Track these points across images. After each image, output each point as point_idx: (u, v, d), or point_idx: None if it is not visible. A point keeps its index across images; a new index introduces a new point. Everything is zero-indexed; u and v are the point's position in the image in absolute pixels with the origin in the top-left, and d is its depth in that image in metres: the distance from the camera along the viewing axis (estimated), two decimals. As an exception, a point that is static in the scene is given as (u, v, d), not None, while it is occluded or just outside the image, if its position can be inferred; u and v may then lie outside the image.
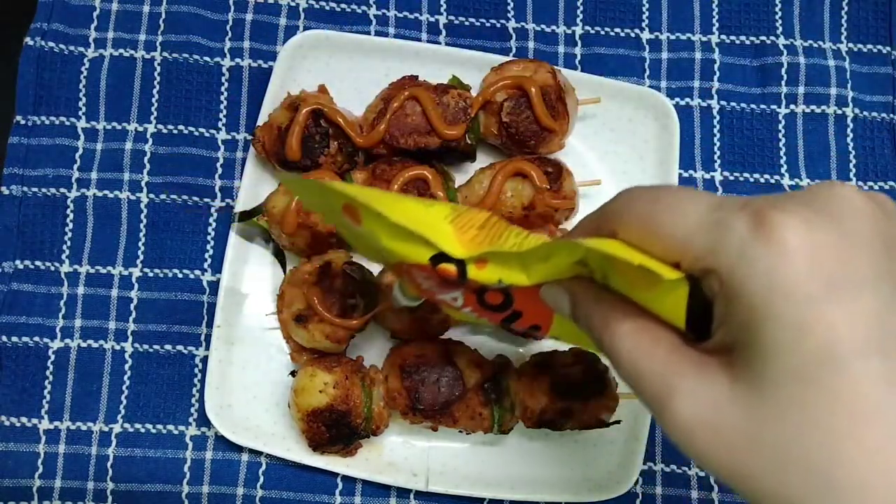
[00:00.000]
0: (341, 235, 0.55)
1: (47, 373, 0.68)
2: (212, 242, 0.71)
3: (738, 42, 0.76)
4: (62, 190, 0.71)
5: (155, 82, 0.73)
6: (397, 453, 0.67)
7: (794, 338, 0.28)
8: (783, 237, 0.28)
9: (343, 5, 0.75)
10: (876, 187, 0.73)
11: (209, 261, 0.70)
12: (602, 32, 0.75)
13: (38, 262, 0.69)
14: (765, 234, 0.29)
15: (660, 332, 0.33)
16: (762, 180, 0.73)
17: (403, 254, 0.40)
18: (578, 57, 0.75)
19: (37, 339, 0.68)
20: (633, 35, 0.75)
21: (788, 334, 0.28)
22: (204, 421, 0.67)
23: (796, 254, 0.28)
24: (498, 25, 0.75)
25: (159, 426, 0.68)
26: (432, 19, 0.75)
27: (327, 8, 0.75)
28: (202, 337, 0.69)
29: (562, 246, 0.35)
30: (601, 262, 0.35)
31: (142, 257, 0.70)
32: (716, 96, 0.74)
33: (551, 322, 0.44)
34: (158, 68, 0.73)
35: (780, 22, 0.76)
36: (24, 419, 0.67)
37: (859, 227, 0.29)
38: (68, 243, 0.70)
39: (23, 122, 0.71)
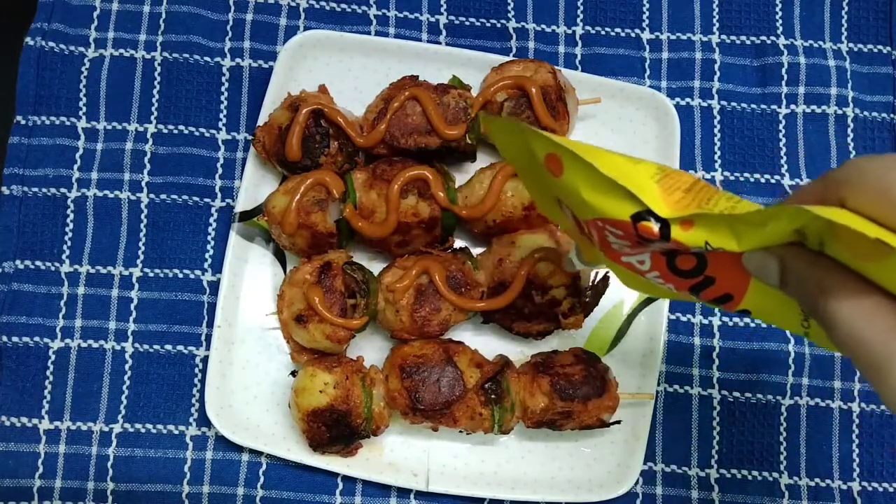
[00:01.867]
0: (526, 187, 0.53)
1: (48, 373, 0.68)
2: (212, 242, 0.71)
3: (738, 42, 0.76)
4: (62, 190, 0.71)
5: (155, 82, 0.73)
6: (397, 453, 0.67)
7: None
8: None
9: (343, 5, 0.75)
10: (876, 187, 0.73)
11: (209, 261, 0.70)
12: (602, 32, 0.75)
13: (38, 263, 0.69)
14: None
15: (881, 300, 0.33)
16: (762, 180, 0.73)
17: (604, 208, 0.39)
18: (579, 57, 0.75)
19: (37, 339, 0.68)
20: (633, 35, 0.75)
21: None
22: (204, 421, 0.67)
23: None
24: (498, 25, 0.75)
25: (159, 426, 0.68)
26: (433, 19, 0.75)
27: (328, 8, 0.75)
28: (202, 337, 0.69)
29: (784, 212, 0.34)
30: (822, 230, 0.34)
31: (142, 257, 0.70)
32: (716, 96, 0.74)
33: (746, 292, 0.42)
34: (159, 68, 0.73)
35: (780, 22, 0.76)
36: (24, 419, 0.67)
37: None
38: (69, 243, 0.70)
39: (23, 122, 0.71)
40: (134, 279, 0.70)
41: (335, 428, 0.62)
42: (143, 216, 0.71)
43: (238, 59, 0.73)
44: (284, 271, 0.69)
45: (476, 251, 0.68)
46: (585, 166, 0.39)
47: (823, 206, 0.33)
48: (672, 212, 0.38)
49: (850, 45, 0.76)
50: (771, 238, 0.36)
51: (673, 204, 0.38)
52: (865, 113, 0.74)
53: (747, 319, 0.71)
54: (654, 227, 0.38)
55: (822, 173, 0.36)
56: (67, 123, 0.72)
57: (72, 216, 0.70)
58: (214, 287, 0.69)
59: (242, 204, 0.68)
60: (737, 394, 0.69)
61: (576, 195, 0.41)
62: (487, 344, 0.68)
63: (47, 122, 0.71)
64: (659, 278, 0.43)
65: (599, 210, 0.40)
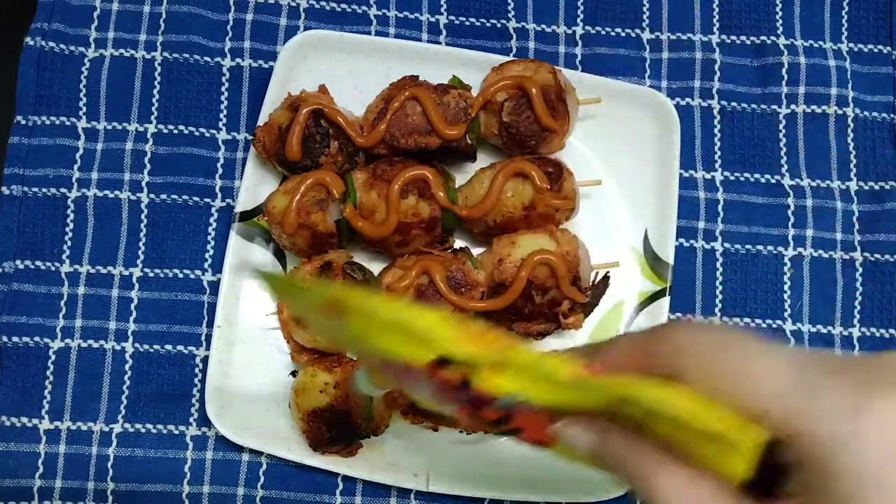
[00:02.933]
0: (314, 329, 0.49)
1: (48, 373, 0.68)
2: (212, 242, 0.71)
3: (738, 42, 0.76)
4: (63, 190, 0.71)
5: (155, 82, 0.73)
6: (398, 453, 0.67)
7: None
8: (886, 422, 0.27)
9: (343, 5, 0.75)
10: (876, 187, 0.73)
11: (210, 261, 0.70)
12: (603, 32, 0.75)
13: (38, 263, 0.69)
14: (865, 414, 0.27)
15: (712, 484, 0.31)
16: (763, 180, 0.73)
17: (399, 352, 0.35)
18: (579, 57, 0.75)
19: (37, 339, 0.68)
20: (633, 35, 0.75)
21: None
22: (204, 421, 0.67)
23: None
24: (498, 25, 0.75)
25: (160, 426, 0.68)
26: (433, 19, 0.75)
27: (328, 8, 0.75)
28: (203, 337, 0.69)
29: (610, 386, 0.31)
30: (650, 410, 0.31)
31: (142, 257, 0.70)
32: (716, 96, 0.74)
33: (556, 442, 0.37)
34: (159, 68, 0.73)
35: (780, 22, 0.76)
36: (24, 419, 0.67)
37: None
38: (69, 243, 0.70)
39: (23, 122, 0.71)
40: (134, 279, 0.70)
41: (335, 428, 0.62)
42: (143, 216, 0.71)
43: (238, 59, 0.73)
44: (285, 271, 0.69)
45: (476, 251, 0.68)
46: (372, 309, 0.36)
47: (651, 383, 0.31)
48: (478, 350, 0.34)
49: (851, 45, 0.76)
50: (592, 399, 0.33)
51: (474, 347, 0.35)
52: (866, 113, 0.74)
53: (747, 319, 0.71)
54: (457, 375, 0.34)
55: (640, 335, 0.34)
56: (67, 123, 0.72)
57: (72, 216, 0.70)
58: (215, 287, 0.69)
59: (242, 204, 0.68)
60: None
61: (365, 340, 0.37)
62: (488, 344, 0.68)
63: (47, 122, 0.71)
64: (459, 413, 0.39)
65: (392, 352, 0.36)
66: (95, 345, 0.69)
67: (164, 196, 0.71)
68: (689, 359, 0.32)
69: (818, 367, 0.30)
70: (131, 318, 0.69)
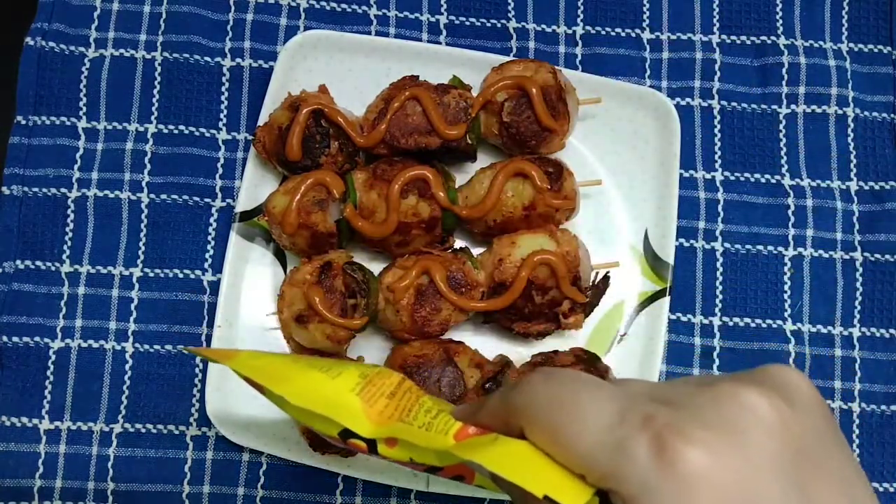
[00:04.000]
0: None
1: (48, 373, 0.68)
2: (212, 242, 0.71)
3: (738, 42, 0.76)
4: (63, 190, 0.71)
5: (155, 82, 0.73)
6: (398, 453, 0.67)
7: None
8: (685, 470, 0.28)
9: (343, 5, 0.75)
10: (877, 187, 0.73)
11: (210, 261, 0.70)
12: (603, 32, 0.75)
13: (38, 263, 0.69)
14: (666, 464, 0.28)
15: None
16: (763, 180, 0.73)
17: (313, 425, 0.39)
18: (579, 57, 0.75)
19: (37, 339, 0.68)
20: (633, 35, 0.75)
21: None
22: (205, 421, 0.67)
23: (699, 488, 0.27)
24: (499, 25, 0.75)
25: (160, 426, 0.68)
26: (433, 19, 0.75)
27: (328, 8, 0.75)
28: (203, 337, 0.69)
29: (467, 457, 0.33)
30: None
31: (142, 257, 0.70)
32: (716, 96, 0.74)
33: (473, 477, 0.41)
34: (159, 68, 0.73)
35: (780, 22, 0.76)
36: (24, 419, 0.67)
37: (764, 446, 0.28)
38: (69, 243, 0.70)
39: (23, 122, 0.71)
40: (134, 279, 0.70)
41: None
42: (143, 216, 0.71)
43: (238, 59, 0.73)
44: (285, 271, 0.69)
45: (476, 251, 0.68)
46: (279, 397, 0.38)
47: (504, 443, 0.33)
48: (374, 428, 0.38)
49: (851, 45, 0.76)
50: (461, 460, 0.35)
51: (376, 416, 0.38)
52: (866, 113, 0.74)
53: (748, 319, 0.71)
54: (363, 444, 0.38)
55: (507, 388, 0.36)
56: (68, 123, 0.72)
57: (72, 216, 0.70)
58: (215, 287, 0.69)
59: (243, 204, 0.68)
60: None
61: (284, 410, 0.41)
62: (487, 344, 0.68)
63: (47, 122, 0.71)
64: (394, 463, 0.42)
65: (310, 425, 0.40)
66: (95, 345, 0.69)
67: (164, 196, 0.71)
68: (530, 416, 0.33)
69: (632, 415, 0.30)
70: (131, 318, 0.69)
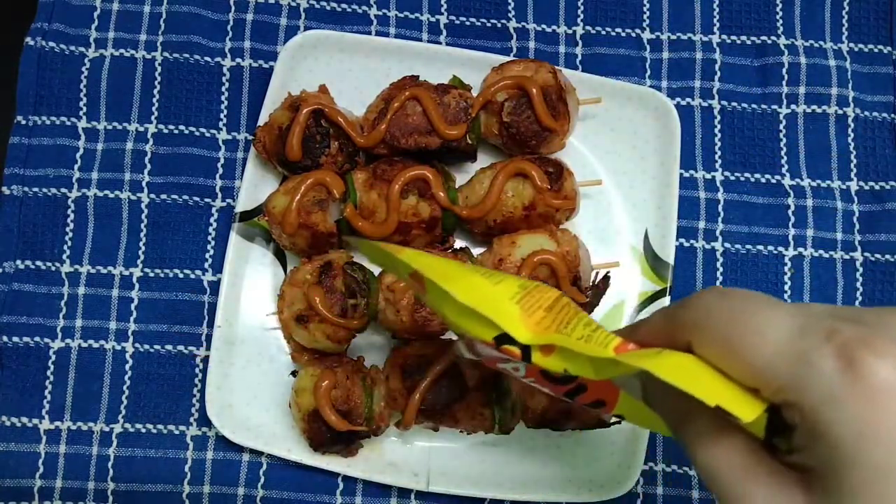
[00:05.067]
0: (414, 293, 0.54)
1: (48, 373, 0.68)
2: (212, 242, 0.71)
3: (738, 42, 0.75)
4: (63, 190, 0.71)
5: (156, 82, 0.73)
6: (398, 453, 0.67)
7: (882, 481, 0.27)
8: (874, 382, 0.28)
9: (344, 5, 0.75)
10: (877, 187, 0.73)
11: (210, 261, 0.70)
12: (603, 32, 0.75)
13: (38, 263, 0.69)
14: (855, 378, 0.28)
15: (736, 434, 0.33)
16: (763, 180, 0.73)
17: (467, 329, 0.40)
18: (579, 57, 0.75)
19: (38, 339, 0.68)
20: (633, 35, 0.75)
21: (875, 477, 0.28)
22: (205, 421, 0.67)
23: (888, 401, 0.28)
24: (499, 25, 0.75)
25: (160, 426, 0.68)
26: (433, 19, 0.75)
27: (328, 8, 0.75)
28: (203, 337, 0.69)
29: (628, 366, 0.34)
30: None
31: (142, 257, 0.70)
32: (717, 96, 0.74)
33: (617, 399, 0.42)
34: (159, 68, 0.73)
35: (780, 22, 0.76)
36: (24, 419, 0.67)
37: None
38: (69, 243, 0.70)
39: (23, 122, 0.71)
40: (134, 279, 0.70)
41: (336, 428, 0.62)
42: (143, 216, 0.71)
43: (238, 59, 0.73)
44: (285, 271, 0.69)
45: (476, 251, 0.68)
46: (444, 292, 0.39)
47: (669, 354, 0.33)
48: (532, 336, 0.38)
49: (851, 45, 0.76)
50: (624, 372, 0.36)
51: (533, 325, 0.39)
52: (866, 113, 0.74)
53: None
54: (517, 350, 0.38)
55: (671, 305, 0.36)
56: (68, 123, 0.72)
57: (72, 216, 0.70)
58: (215, 287, 0.69)
59: (243, 204, 0.68)
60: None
61: (441, 312, 0.41)
62: (488, 344, 0.68)
63: (47, 122, 0.71)
64: (535, 383, 0.44)
65: (464, 329, 0.40)
66: (96, 345, 0.69)
67: (164, 196, 0.71)
68: (703, 330, 0.33)
69: (815, 330, 0.30)
70: (131, 318, 0.69)
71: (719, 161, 0.73)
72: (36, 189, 0.70)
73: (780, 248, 0.72)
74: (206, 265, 0.70)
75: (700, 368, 0.32)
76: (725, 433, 0.33)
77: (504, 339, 0.38)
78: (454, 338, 0.50)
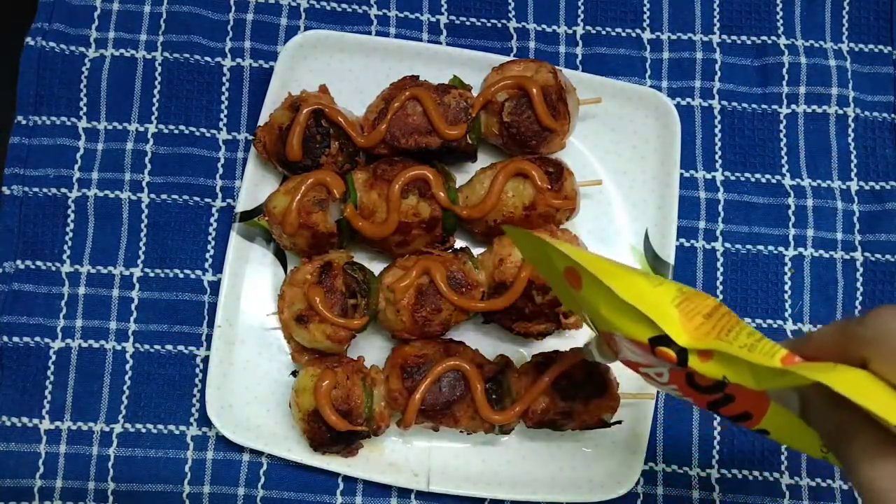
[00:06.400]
0: (550, 285, 0.54)
1: (48, 373, 0.68)
2: (213, 242, 0.71)
3: (739, 42, 0.75)
4: (63, 190, 0.71)
5: (156, 82, 0.73)
6: (398, 453, 0.67)
7: None
8: None
9: (344, 5, 0.75)
10: (877, 187, 0.73)
11: (210, 261, 0.70)
12: (603, 32, 0.75)
13: (39, 263, 0.69)
14: None
15: None
16: (763, 180, 0.73)
17: (622, 327, 0.40)
18: (579, 57, 0.75)
19: (38, 339, 0.68)
20: (634, 35, 0.75)
21: None
22: (205, 421, 0.67)
23: None
24: (499, 25, 0.75)
25: (160, 426, 0.68)
26: (433, 19, 0.75)
27: (328, 8, 0.75)
28: (203, 337, 0.69)
29: (802, 377, 0.34)
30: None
31: (143, 257, 0.70)
32: (717, 96, 0.74)
33: (766, 412, 0.42)
34: (159, 68, 0.73)
35: (781, 22, 0.76)
36: (24, 419, 0.67)
37: None
38: (69, 243, 0.70)
39: (24, 122, 0.71)
40: (135, 279, 0.70)
41: (336, 428, 0.62)
42: (143, 216, 0.71)
43: (238, 59, 0.73)
44: (285, 271, 0.69)
45: (477, 251, 0.68)
46: (604, 286, 0.39)
47: (842, 368, 0.33)
48: (691, 340, 0.38)
49: (851, 44, 0.76)
50: (791, 383, 0.35)
51: (692, 330, 0.38)
52: (866, 113, 0.74)
53: (748, 319, 0.71)
54: (672, 353, 0.38)
55: (844, 321, 0.36)
56: (68, 123, 0.72)
57: (72, 216, 0.70)
58: (215, 287, 0.69)
59: (243, 204, 0.68)
60: (737, 394, 0.69)
61: (594, 309, 0.42)
62: (488, 344, 0.68)
63: (48, 122, 0.71)
64: (677, 391, 0.44)
65: (618, 328, 0.40)
66: (96, 345, 0.69)
67: (164, 196, 0.71)
68: (882, 347, 0.33)
69: None
70: (132, 319, 0.69)
71: (719, 161, 0.73)
72: (36, 189, 0.70)
73: (781, 248, 0.72)
74: (207, 265, 0.70)
75: (876, 385, 0.32)
76: (890, 448, 0.32)
77: (660, 340, 0.38)
78: (594, 353, 0.50)
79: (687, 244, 0.72)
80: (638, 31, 0.75)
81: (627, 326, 0.40)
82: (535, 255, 0.47)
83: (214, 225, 0.71)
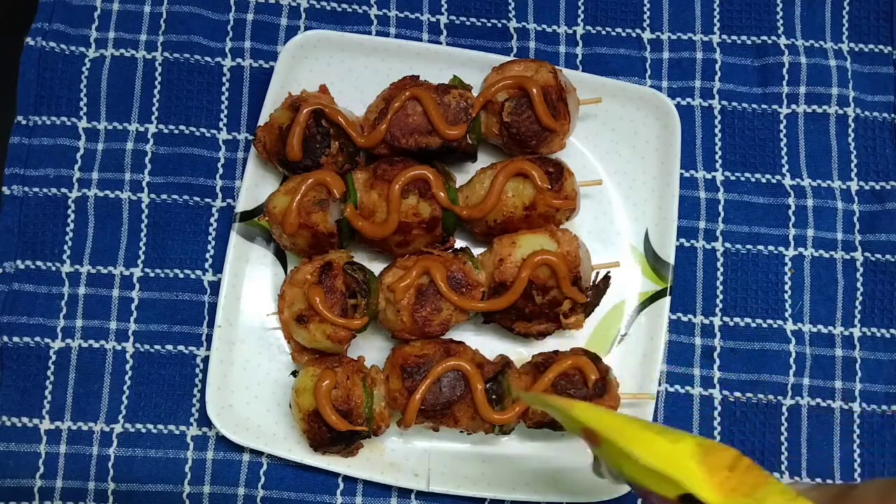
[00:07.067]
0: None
1: (48, 373, 0.68)
2: (213, 242, 0.71)
3: (739, 42, 0.75)
4: (63, 190, 0.71)
5: (156, 82, 0.73)
6: (398, 453, 0.67)
7: None
8: None
9: (344, 5, 0.75)
10: (877, 187, 0.73)
11: (210, 261, 0.70)
12: (603, 32, 0.75)
13: (39, 263, 0.69)
14: None
15: None
16: (763, 180, 0.73)
17: (648, 484, 0.41)
18: (579, 57, 0.75)
19: (38, 339, 0.68)
20: (634, 35, 0.75)
21: None
22: (205, 421, 0.67)
23: None
24: (499, 25, 0.75)
25: (160, 426, 0.68)
26: (433, 19, 0.75)
27: (328, 8, 0.75)
28: (203, 337, 0.69)
29: None
30: None
31: (143, 257, 0.70)
32: (717, 96, 0.74)
33: None
34: (159, 68, 0.73)
35: (781, 22, 0.76)
36: (25, 419, 0.67)
37: None
38: (69, 243, 0.70)
39: (24, 122, 0.71)
40: (135, 279, 0.70)
41: (336, 428, 0.62)
42: (143, 216, 0.71)
43: (239, 59, 0.73)
44: (285, 271, 0.69)
45: (477, 251, 0.68)
46: (621, 451, 0.40)
47: None
48: (721, 499, 0.38)
49: (851, 45, 0.76)
50: None
51: (718, 486, 0.39)
52: (866, 113, 0.74)
53: (748, 319, 0.71)
54: None
55: (889, 481, 0.36)
56: (68, 123, 0.72)
57: (72, 216, 0.70)
58: (215, 287, 0.69)
59: (243, 204, 0.68)
60: (738, 394, 0.69)
61: (614, 464, 0.42)
62: (488, 344, 0.68)
63: (48, 122, 0.71)
64: None
65: (646, 485, 0.41)
66: (96, 345, 0.69)
67: (164, 196, 0.71)
68: None
69: None
70: (132, 318, 0.69)
71: (719, 161, 0.73)
72: (36, 189, 0.70)
73: (781, 248, 0.72)
74: (207, 265, 0.70)
75: None
76: None
77: (690, 498, 0.39)
78: (603, 473, 0.50)
79: (687, 244, 0.72)
80: (638, 31, 0.75)
81: (655, 484, 0.40)
82: (554, 414, 0.48)
83: (214, 225, 0.71)
